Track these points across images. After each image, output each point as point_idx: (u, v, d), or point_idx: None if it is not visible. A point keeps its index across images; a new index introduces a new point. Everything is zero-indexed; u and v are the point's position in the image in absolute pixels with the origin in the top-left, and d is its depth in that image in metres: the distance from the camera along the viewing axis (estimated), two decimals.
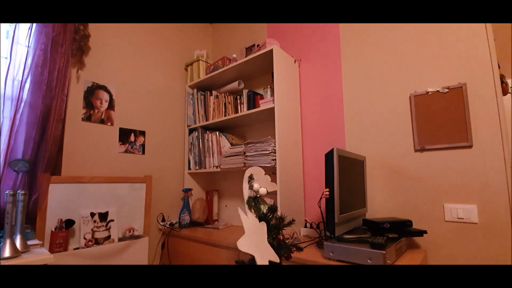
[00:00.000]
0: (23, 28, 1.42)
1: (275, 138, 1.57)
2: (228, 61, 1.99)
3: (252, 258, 0.82)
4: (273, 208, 0.95)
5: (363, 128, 1.55)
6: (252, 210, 0.92)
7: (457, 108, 1.26)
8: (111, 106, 1.79)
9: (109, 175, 1.71)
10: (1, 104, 1.31)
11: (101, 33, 1.78)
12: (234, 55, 1.95)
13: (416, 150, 1.37)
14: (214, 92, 2.08)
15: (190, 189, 2.12)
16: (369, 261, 1.00)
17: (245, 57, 1.82)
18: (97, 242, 1.51)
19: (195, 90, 2.20)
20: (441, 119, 1.30)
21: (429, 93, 1.34)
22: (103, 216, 1.58)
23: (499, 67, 1.21)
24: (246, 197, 0.93)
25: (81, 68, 1.67)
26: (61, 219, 1.40)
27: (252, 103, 1.81)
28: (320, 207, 1.38)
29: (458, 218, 1.23)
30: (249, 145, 1.72)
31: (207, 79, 2.09)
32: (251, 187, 0.94)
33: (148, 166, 1.96)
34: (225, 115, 1.94)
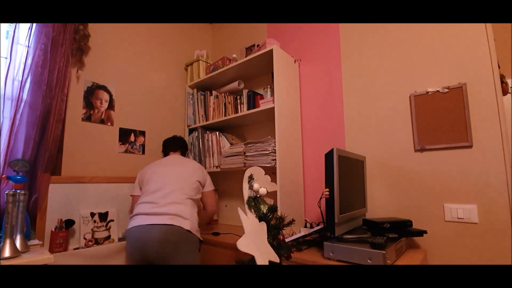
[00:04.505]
0: (23, 28, 1.42)
1: (275, 138, 1.57)
2: (228, 61, 1.99)
3: (252, 258, 0.82)
4: (273, 208, 0.95)
5: (363, 128, 1.55)
6: (252, 210, 0.92)
7: (457, 108, 1.26)
8: (111, 106, 1.80)
9: (109, 175, 1.71)
10: (1, 104, 1.31)
11: (101, 33, 1.78)
12: (234, 55, 1.95)
13: (416, 150, 1.37)
14: (214, 92, 2.08)
15: None
16: (369, 261, 1.00)
17: (245, 57, 1.82)
18: (97, 242, 1.51)
19: (195, 90, 2.20)
20: (441, 119, 1.30)
21: (429, 93, 1.34)
22: (103, 216, 1.58)
23: (499, 67, 1.21)
24: (246, 197, 0.93)
25: (81, 68, 1.67)
26: (61, 219, 1.40)
27: (252, 103, 1.81)
28: (320, 207, 1.38)
29: (458, 218, 1.23)
30: (249, 145, 1.72)
31: (207, 79, 2.09)
32: (251, 187, 0.94)
33: None
34: (225, 115, 1.94)
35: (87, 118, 1.67)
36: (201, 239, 1.40)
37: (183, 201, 1.37)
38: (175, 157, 1.62)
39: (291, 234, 1.39)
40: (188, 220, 1.32)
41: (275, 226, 0.95)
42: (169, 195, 1.36)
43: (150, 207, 1.32)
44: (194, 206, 1.43)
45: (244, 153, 1.74)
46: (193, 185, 1.46)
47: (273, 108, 1.61)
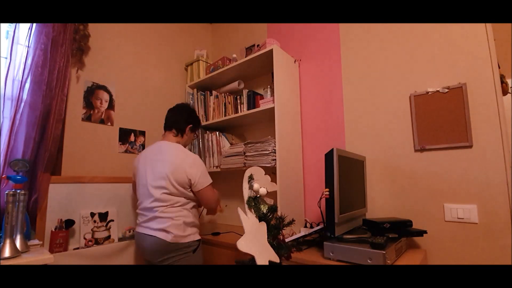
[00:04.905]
0: (23, 28, 1.42)
1: (275, 138, 1.57)
2: (228, 61, 1.99)
3: (252, 258, 0.82)
4: (273, 208, 0.95)
5: (363, 128, 1.55)
6: (252, 210, 0.92)
7: (457, 108, 1.26)
8: (111, 106, 1.80)
9: (109, 175, 1.71)
10: (1, 104, 1.31)
11: (101, 33, 1.78)
12: (234, 55, 1.95)
13: (416, 150, 1.37)
14: (214, 92, 2.08)
15: None
16: (369, 261, 1.00)
17: (245, 57, 1.82)
18: (97, 242, 1.50)
19: (195, 90, 2.20)
20: (441, 119, 1.30)
21: (429, 93, 1.34)
22: (103, 216, 1.58)
23: (499, 67, 1.21)
24: (246, 197, 0.93)
25: (81, 68, 1.67)
26: (61, 219, 1.40)
27: (252, 103, 1.81)
28: (320, 207, 1.38)
29: (458, 218, 1.23)
30: (249, 145, 1.72)
31: (207, 79, 2.09)
32: (251, 187, 0.94)
33: None
34: (225, 115, 1.94)
35: (87, 118, 1.67)
36: (196, 239, 1.33)
37: (165, 212, 1.29)
38: (160, 147, 1.41)
39: (291, 234, 1.39)
40: (170, 234, 1.25)
41: (275, 226, 0.95)
42: (151, 209, 1.30)
43: (141, 219, 1.37)
44: (181, 210, 1.32)
45: (244, 153, 1.74)
46: (174, 189, 1.30)
47: (273, 108, 1.61)
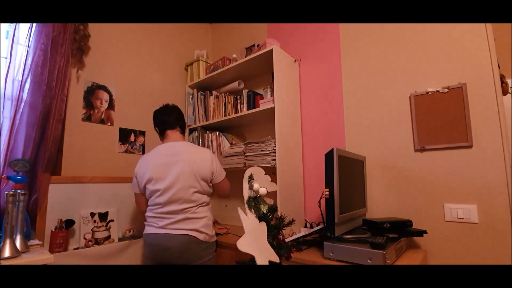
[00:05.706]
0: (23, 28, 1.42)
1: (275, 138, 1.57)
2: (228, 61, 1.99)
3: (252, 258, 0.82)
4: (273, 208, 0.95)
5: (363, 128, 1.55)
6: (252, 210, 0.92)
7: (457, 108, 1.26)
8: (111, 106, 1.80)
9: (109, 175, 1.71)
10: (1, 104, 1.31)
11: (101, 33, 1.78)
12: (234, 55, 1.95)
13: (416, 150, 1.37)
14: (214, 92, 2.08)
15: None
16: (369, 261, 1.00)
17: (245, 57, 1.82)
18: (97, 242, 1.50)
19: (195, 90, 2.20)
20: (441, 119, 1.30)
21: (429, 93, 1.34)
22: (103, 216, 1.58)
23: (499, 67, 1.21)
24: (246, 197, 0.93)
25: (81, 68, 1.67)
26: (61, 219, 1.40)
27: (252, 103, 1.81)
28: (320, 207, 1.38)
29: (458, 218, 1.23)
30: (249, 145, 1.72)
31: (207, 79, 2.09)
32: (251, 187, 0.94)
33: None
34: (225, 115, 1.94)
35: (87, 118, 1.67)
36: (216, 240, 1.39)
37: (196, 212, 1.28)
38: (174, 147, 1.35)
39: (291, 234, 1.39)
40: (203, 233, 1.27)
41: (275, 226, 0.95)
42: (180, 211, 1.25)
43: (162, 222, 1.27)
44: (207, 210, 1.35)
45: (244, 153, 1.74)
46: (201, 186, 1.30)
47: (273, 108, 1.61)
